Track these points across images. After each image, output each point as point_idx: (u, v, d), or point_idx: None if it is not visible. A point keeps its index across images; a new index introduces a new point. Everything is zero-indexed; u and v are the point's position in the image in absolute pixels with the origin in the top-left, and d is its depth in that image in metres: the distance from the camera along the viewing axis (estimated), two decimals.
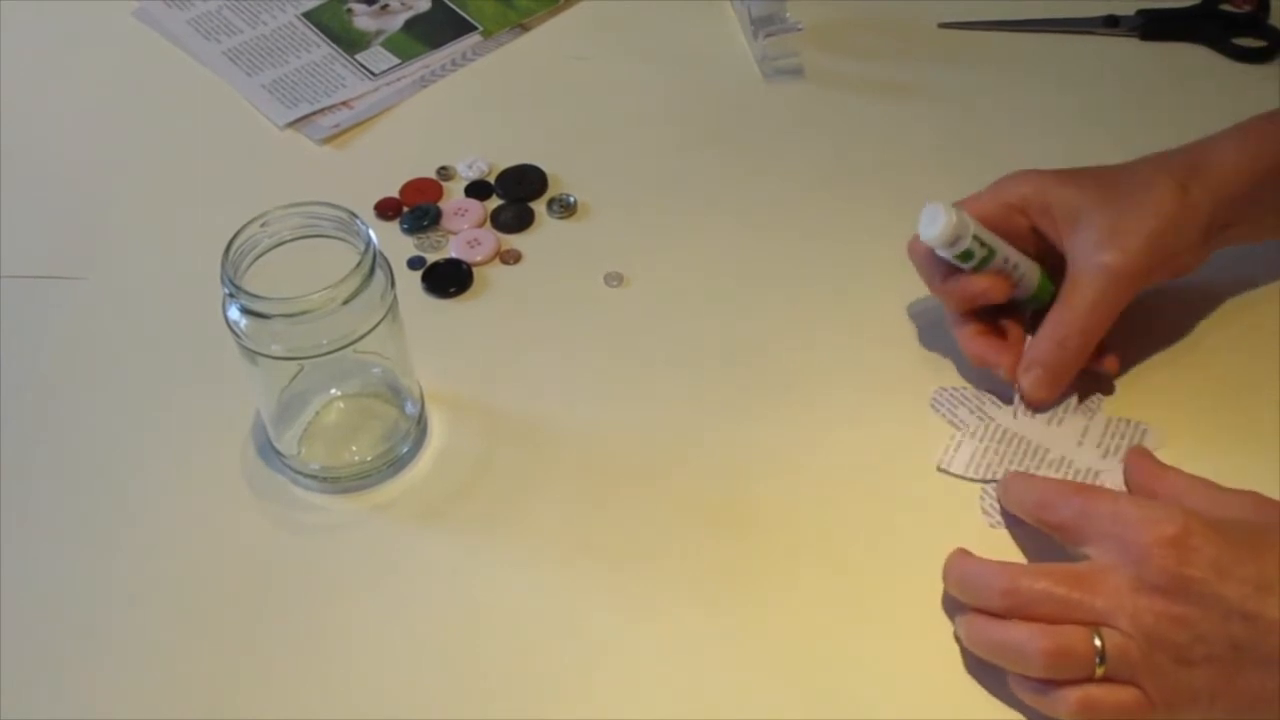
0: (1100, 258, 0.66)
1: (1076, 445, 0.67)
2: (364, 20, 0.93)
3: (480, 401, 0.71)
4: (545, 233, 0.80)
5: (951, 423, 0.69)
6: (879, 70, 0.88)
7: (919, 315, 0.74)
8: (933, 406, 0.70)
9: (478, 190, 0.82)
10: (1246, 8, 0.89)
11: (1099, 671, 0.55)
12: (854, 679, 0.60)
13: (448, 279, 0.77)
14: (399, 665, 0.61)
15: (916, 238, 0.68)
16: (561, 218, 0.80)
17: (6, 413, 0.72)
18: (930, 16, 0.91)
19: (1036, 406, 0.68)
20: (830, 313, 0.74)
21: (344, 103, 0.88)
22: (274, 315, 0.61)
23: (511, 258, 0.78)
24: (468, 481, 0.68)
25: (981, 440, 0.67)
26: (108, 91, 0.90)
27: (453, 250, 0.79)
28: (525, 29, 0.93)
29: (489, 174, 0.83)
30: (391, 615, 0.63)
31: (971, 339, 0.69)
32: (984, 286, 0.68)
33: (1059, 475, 0.66)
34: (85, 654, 0.62)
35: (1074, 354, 0.67)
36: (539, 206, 0.81)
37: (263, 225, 0.63)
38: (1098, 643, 0.55)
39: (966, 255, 0.67)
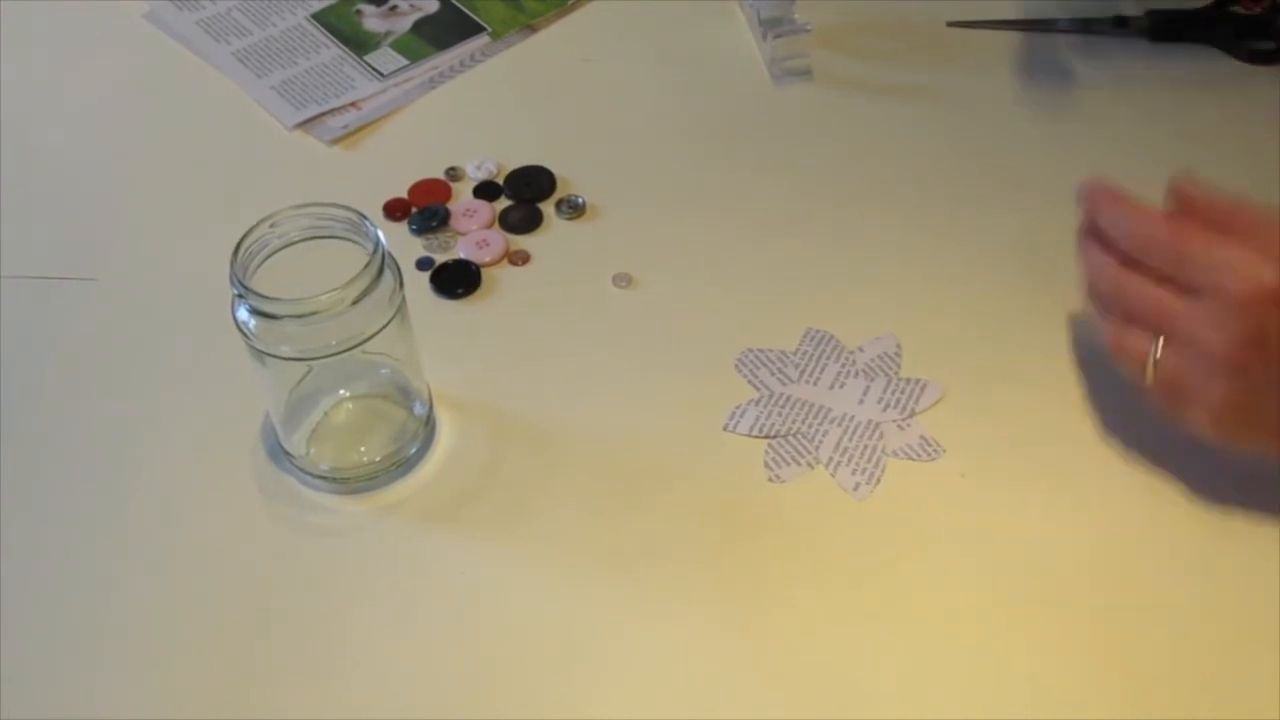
0: None
1: (857, 404, 0.70)
2: (373, 22, 0.93)
3: (489, 403, 0.71)
4: (554, 234, 0.80)
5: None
6: (888, 71, 0.88)
7: (926, 316, 0.74)
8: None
9: (486, 191, 0.82)
10: (1257, 9, 0.89)
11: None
12: (859, 680, 0.60)
13: (456, 280, 0.77)
14: (406, 666, 0.61)
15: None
16: (570, 219, 0.80)
17: (14, 413, 0.72)
18: (939, 17, 0.91)
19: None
20: (837, 314, 0.74)
21: (353, 104, 0.88)
22: (283, 316, 0.61)
23: (520, 259, 0.78)
24: (476, 483, 0.68)
25: (765, 406, 0.70)
26: (118, 93, 0.90)
27: (461, 251, 0.79)
28: (534, 30, 0.93)
29: (497, 175, 0.83)
30: (399, 616, 0.63)
31: None
32: None
33: (840, 430, 0.69)
34: (89, 655, 0.62)
35: None
36: (547, 207, 0.81)
37: (272, 226, 0.63)
38: (1157, 354, 0.61)
39: None
